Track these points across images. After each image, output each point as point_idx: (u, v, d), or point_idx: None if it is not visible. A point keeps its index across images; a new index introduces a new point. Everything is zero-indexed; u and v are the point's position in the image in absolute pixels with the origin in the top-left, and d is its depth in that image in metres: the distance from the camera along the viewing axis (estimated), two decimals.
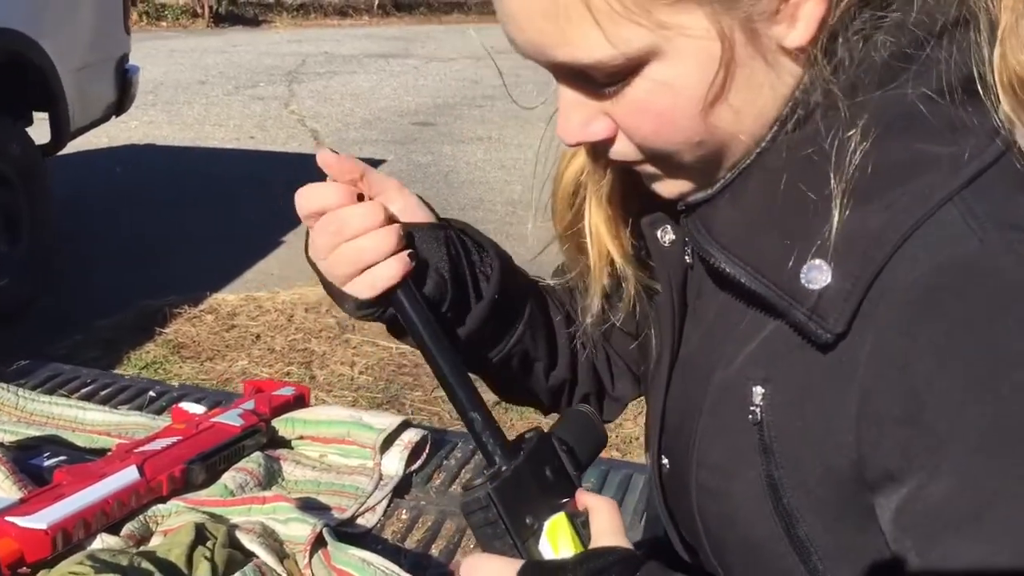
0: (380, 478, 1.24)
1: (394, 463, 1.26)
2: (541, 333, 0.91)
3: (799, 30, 0.60)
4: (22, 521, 0.99)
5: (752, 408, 0.67)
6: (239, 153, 6.75)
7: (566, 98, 0.67)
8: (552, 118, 0.72)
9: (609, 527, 0.71)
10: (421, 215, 0.80)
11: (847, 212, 0.59)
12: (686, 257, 0.76)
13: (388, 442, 1.28)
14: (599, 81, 0.63)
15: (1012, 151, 0.60)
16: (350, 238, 0.74)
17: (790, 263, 0.61)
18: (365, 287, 0.75)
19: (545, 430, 0.78)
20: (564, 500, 0.73)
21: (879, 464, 0.60)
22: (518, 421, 3.08)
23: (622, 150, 0.68)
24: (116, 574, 0.87)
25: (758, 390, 0.66)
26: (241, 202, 5.33)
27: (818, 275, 0.60)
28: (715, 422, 0.71)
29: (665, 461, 0.80)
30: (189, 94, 8.93)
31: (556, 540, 0.71)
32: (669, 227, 0.77)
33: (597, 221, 0.78)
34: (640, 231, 0.80)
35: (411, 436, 1.30)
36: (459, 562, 0.69)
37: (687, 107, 0.62)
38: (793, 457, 0.65)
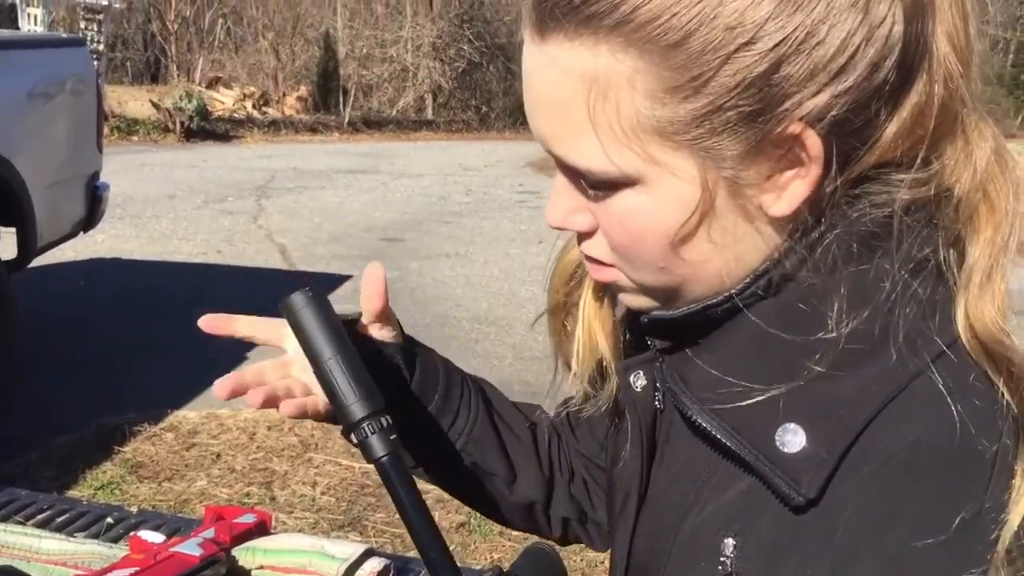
0: None
1: None
2: (490, 444, 0.92)
3: (783, 203, 0.62)
4: None
5: (723, 559, 0.67)
6: (205, 268, 6.76)
7: (559, 184, 0.69)
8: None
9: None
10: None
11: (821, 378, 0.61)
12: (656, 402, 0.77)
13: (351, 572, 1.27)
14: (587, 183, 0.66)
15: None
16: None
17: (766, 424, 0.63)
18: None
19: (505, 567, 0.78)
20: None
21: None
22: (481, 544, 3.03)
23: (596, 248, 0.70)
24: None
25: (729, 542, 0.67)
26: None
27: (792, 438, 0.61)
28: (683, 569, 0.72)
29: None
30: (158, 208, 8.97)
31: None
32: (641, 372, 0.78)
33: (591, 312, 0.80)
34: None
35: (374, 565, 1.28)
36: None
37: (659, 236, 0.64)
38: None
